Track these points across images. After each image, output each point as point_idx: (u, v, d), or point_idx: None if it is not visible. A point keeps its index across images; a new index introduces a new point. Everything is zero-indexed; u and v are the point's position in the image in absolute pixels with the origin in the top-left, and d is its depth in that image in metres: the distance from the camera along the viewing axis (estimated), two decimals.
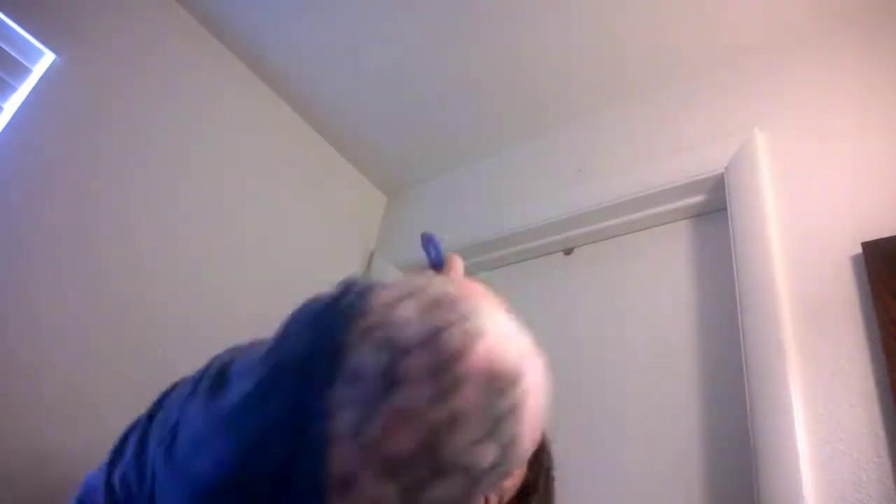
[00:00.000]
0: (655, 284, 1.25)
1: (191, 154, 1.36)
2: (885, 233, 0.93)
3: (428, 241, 0.60)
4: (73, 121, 1.18)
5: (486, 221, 1.51)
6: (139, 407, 1.19)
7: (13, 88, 1.14)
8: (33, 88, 1.15)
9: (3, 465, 0.97)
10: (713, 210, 1.24)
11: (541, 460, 0.78)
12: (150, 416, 0.52)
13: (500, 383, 0.39)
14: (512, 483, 0.69)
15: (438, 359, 0.38)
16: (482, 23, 1.32)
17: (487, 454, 0.38)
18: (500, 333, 0.42)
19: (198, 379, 0.48)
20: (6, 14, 1.13)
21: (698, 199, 1.24)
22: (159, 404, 0.54)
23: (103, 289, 1.15)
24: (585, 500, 1.11)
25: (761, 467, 0.88)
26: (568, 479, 1.14)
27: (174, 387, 0.55)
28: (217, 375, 0.46)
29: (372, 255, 1.74)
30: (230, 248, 1.39)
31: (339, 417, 0.37)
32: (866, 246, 0.93)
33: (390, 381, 0.37)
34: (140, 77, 1.31)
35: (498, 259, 1.53)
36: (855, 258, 0.95)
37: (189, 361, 1.33)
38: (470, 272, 1.73)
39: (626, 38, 1.30)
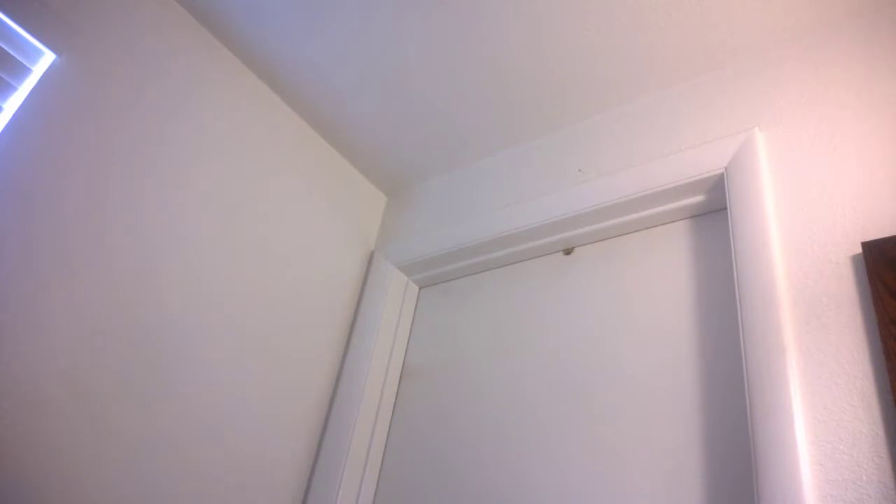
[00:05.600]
0: (655, 284, 1.25)
1: (191, 154, 1.37)
2: (885, 233, 0.93)
3: None
4: (74, 121, 1.18)
5: (486, 221, 1.51)
6: (142, 407, 1.20)
7: (13, 88, 1.14)
8: (33, 88, 1.15)
9: (3, 466, 0.97)
10: (713, 210, 1.25)
11: None
12: None
13: None
14: None
15: None
16: (482, 23, 1.32)
17: None
18: None
19: None
20: (6, 14, 1.13)
21: (698, 199, 1.24)
22: None
23: (103, 289, 1.15)
24: (585, 498, 1.11)
25: (761, 467, 0.88)
26: (567, 479, 1.15)
27: None
28: None
29: (372, 255, 1.74)
30: (229, 248, 1.39)
31: None
32: (866, 246, 0.93)
33: None
34: (140, 77, 1.31)
35: (498, 259, 1.53)
36: (855, 258, 0.95)
37: (190, 362, 1.34)
38: (471, 272, 1.73)
39: (625, 38, 1.30)
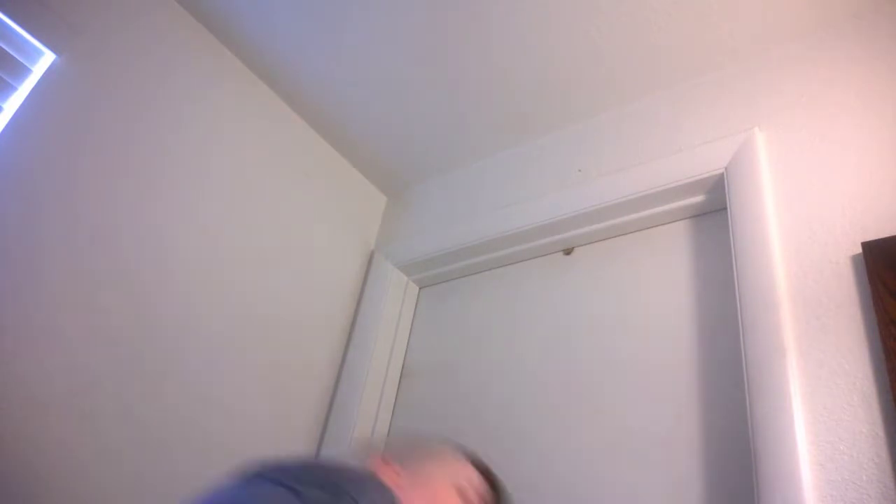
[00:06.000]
0: (655, 284, 1.25)
1: (191, 154, 1.36)
2: (885, 233, 0.93)
3: None
4: (74, 121, 1.18)
5: (486, 221, 1.51)
6: (142, 407, 1.20)
7: (13, 88, 1.14)
8: (33, 88, 1.15)
9: (6, 465, 0.97)
10: (713, 210, 1.25)
11: None
12: None
13: None
14: None
15: None
16: (483, 24, 1.32)
17: None
18: None
19: None
20: (6, 14, 1.13)
21: (698, 199, 1.24)
22: None
23: (103, 289, 1.15)
24: (585, 499, 1.11)
25: (761, 467, 0.88)
26: (565, 479, 1.15)
27: None
28: None
29: (372, 254, 1.74)
30: (230, 248, 1.39)
31: None
32: (866, 246, 0.93)
33: None
34: (140, 77, 1.31)
35: (498, 259, 1.53)
36: (855, 258, 0.95)
37: (190, 362, 1.34)
38: (471, 272, 1.71)
39: (625, 38, 1.30)
